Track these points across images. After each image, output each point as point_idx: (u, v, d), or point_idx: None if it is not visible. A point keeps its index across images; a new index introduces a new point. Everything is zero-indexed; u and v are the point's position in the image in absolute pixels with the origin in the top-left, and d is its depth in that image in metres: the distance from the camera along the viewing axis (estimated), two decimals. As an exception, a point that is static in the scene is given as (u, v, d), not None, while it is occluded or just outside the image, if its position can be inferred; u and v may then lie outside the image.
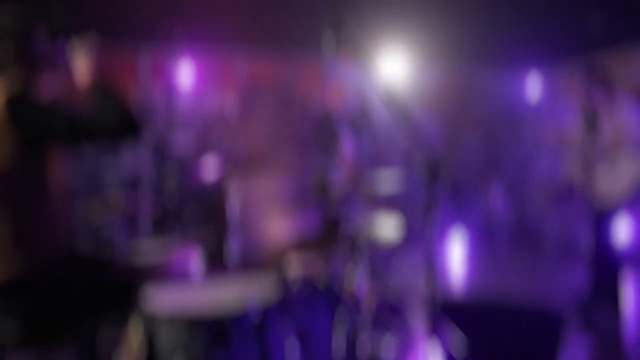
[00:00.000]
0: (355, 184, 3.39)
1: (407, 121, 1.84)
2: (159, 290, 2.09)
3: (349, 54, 2.05)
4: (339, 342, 2.36)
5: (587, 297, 3.41)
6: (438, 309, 1.80)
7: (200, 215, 4.54)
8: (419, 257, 2.00)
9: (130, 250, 3.02)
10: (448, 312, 2.39)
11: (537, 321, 2.39)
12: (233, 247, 2.72)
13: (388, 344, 2.73)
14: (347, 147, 3.52)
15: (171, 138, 5.81)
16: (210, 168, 3.09)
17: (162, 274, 2.70)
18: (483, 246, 6.61)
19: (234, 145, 4.05)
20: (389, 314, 2.99)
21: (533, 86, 7.31)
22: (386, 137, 6.63)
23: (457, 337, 2.34)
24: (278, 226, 3.17)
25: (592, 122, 3.27)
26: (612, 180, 3.45)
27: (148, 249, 2.98)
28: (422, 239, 1.78)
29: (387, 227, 3.35)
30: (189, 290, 2.13)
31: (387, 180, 3.59)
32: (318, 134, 3.36)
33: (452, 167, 7.15)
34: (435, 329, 1.81)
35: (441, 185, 1.74)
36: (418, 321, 3.19)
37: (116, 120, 1.82)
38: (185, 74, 5.94)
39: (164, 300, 1.98)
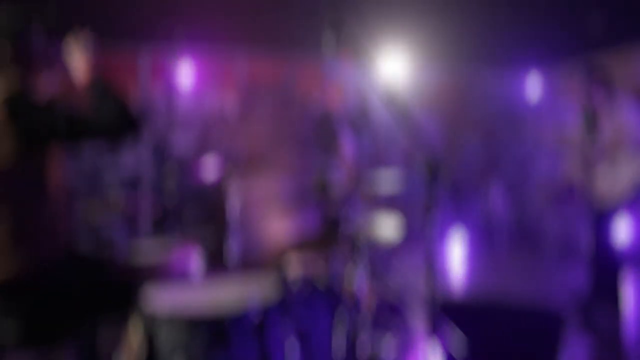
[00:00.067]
0: (356, 184, 3.38)
1: (407, 121, 1.83)
2: (159, 290, 2.09)
3: (349, 54, 2.05)
4: (339, 342, 2.36)
5: (587, 297, 3.41)
6: (438, 309, 1.80)
7: (200, 215, 4.54)
8: (419, 257, 2.00)
9: (130, 250, 3.02)
10: (448, 312, 2.39)
11: (537, 321, 2.39)
12: (233, 247, 2.72)
13: (388, 344, 2.73)
14: (347, 147, 3.52)
15: (171, 138, 5.81)
16: (210, 168, 3.09)
17: (162, 274, 2.70)
18: (483, 246, 6.61)
19: (234, 145, 4.05)
20: (389, 314, 2.99)
21: (533, 86, 7.31)
22: (386, 137, 6.63)
23: (457, 337, 2.34)
24: (278, 226, 3.17)
25: (592, 122, 3.27)
26: (612, 180, 3.45)
27: (148, 249, 2.98)
28: (422, 239, 1.78)
29: (387, 227, 3.35)
30: (189, 290, 2.13)
31: (387, 180, 3.59)
32: (318, 134, 3.36)
33: (452, 167, 7.15)
34: (435, 329, 1.81)
35: (441, 185, 1.74)
36: (418, 321, 3.19)
37: (115, 118, 1.82)
38: (185, 74, 5.94)
39: (164, 300, 1.98)
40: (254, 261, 2.82)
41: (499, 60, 6.74)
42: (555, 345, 2.31)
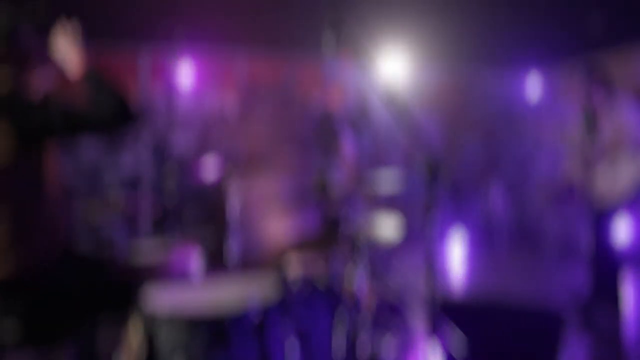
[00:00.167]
0: (356, 184, 3.38)
1: (407, 121, 1.83)
2: (159, 290, 2.09)
3: (349, 54, 2.05)
4: (339, 342, 2.36)
5: (587, 297, 3.41)
6: (438, 309, 1.80)
7: (200, 215, 4.54)
8: (419, 257, 2.00)
9: (130, 250, 3.01)
10: (448, 312, 2.39)
11: (537, 321, 2.39)
12: (233, 247, 2.72)
13: (388, 344, 2.73)
14: (347, 147, 3.52)
15: (171, 138, 5.81)
16: (210, 168, 3.09)
17: (162, 274, 2.70)
18: (483, 246, 6.61)
19: (234, 145, 4.05)
20: (389, 314, 2.98)
21: (533, 86, 7.30)
22: (386, 137, 6.63)
23: (457, 337, 2.34)
24: (278, 226, 3.17)
25: (592, 122, 3.27)
26: (612, 180, 3.45)
27: (148, 249, 2.98)
28: (422, 239, 1.78)
29: (387, 227, 3.35)
30: (189, 290, 2.13)
31: (387, 180, 3.59)
32: (318, 134, 3.36)
33: (452, 167, 7.15)
34: (435, 329, 1.81)
35: (441, 185, 1.74)
36: (418, 321, 3.19)
37: (112, 109, 1.80)
38: (185, 74, 5.94)
39: (164, 300, 1.98)
40: (254, 261, 2.82)
41: (499, 60, 6.74)
42: (555, 345, 2.31)
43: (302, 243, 2.97)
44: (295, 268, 2.44)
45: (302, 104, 6.02)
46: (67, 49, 1.92)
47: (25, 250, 1.81)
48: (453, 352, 2.33)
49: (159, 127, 5.90)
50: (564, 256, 5.87)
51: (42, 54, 1.96)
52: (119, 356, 2.02)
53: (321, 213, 3.12)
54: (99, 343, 2.05)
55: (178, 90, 5.96)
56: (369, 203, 3.45)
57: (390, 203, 3.85)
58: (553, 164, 6.41)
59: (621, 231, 3.45)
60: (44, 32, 1.95)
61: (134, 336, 1.97)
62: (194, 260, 2.86)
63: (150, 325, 1.88)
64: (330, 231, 2.93)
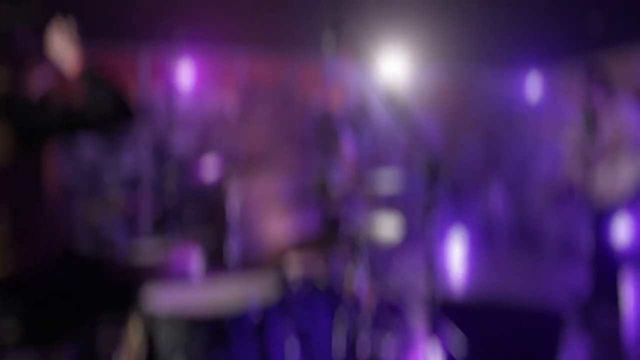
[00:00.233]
0: (356, 184, 3.38)
1: (407, 121, 1.83)
2: (159, 290, 2.09)
3: (349, 54, 2.05)
4: (339, 342, 2.36)
5: (587, 297, 3.41)
6: (438, 309, 1.80)
7: (200, 215, 4.54)
8: (419, 257, 2.00)
9: (130, 250, 3.02)
10: (448, 312, 2.39)
11: (537, 321, 2.39)
12: (233, 247, 2.72)
13: (388, 344, 2.73)
14: (347, 147, 3.52)
15: (171, 138, 5.81)
16: (210, 168, 3.09)
17: (162, 274, 2.70)
18: (483, 246, 6.61)
19: (234, 145, 4.05)
20: (389, 314, 2.98)
21: (533, 86, 7.30)
22: (386, 137, 6.63)
23: (457, 337, 2.34)
24: (278, 226, 3.17)
25: (592, 122, 3.27)
26: (612, 180, 3.45)
27: (148, 249, 2.98)
28: (422, 239, 1.78)
29: (387, 227, 3.35)
30: (189, 290, 2.13)
31: (387, 180, 3.59)
32: (318, 134, 3.36)
33: (452, 167, 7.15)
34: (435, 329, 1.81)
35: (441, 185, 1.74)
36: (418, 321, 3.19)
37: (110, 106, 1.80)
38: (185, 74, 5.94)
39: (164, 300, 1.98)
40: (254, 261, 2.82)
41: (499, 60, 6.74)
42: (555, 345, 2.31)
43: (302, 243, 2.97)
44: (295, 268, 2.44)
45: (302, 104, 6.02)
46: (63, 48, 1.91)
47: (24, 250, 1.81)
48: (453, 352, 2.33)
49: (159, 127, 5.90)
50: (564, 256, 5.87)
51: (39, 54, 1.95)
52: (119, 356, 2.02)
53: (321, 213, 3.12)
54: (99, 343, 2.05)
55: (178, 90, 5.96)
56: (369, 203, 3.45)
57: (390, 203, 3.85)
58: (553, 164, 6.41)
59: (621, 231, 3.45)
60: (40, 32, 1.94)
61: (134, 336, 1.97)
62: (194, 260, 2.86)
63: (150, 325, 1.88)
64: (330, 231, 2.93)
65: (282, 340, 2.14)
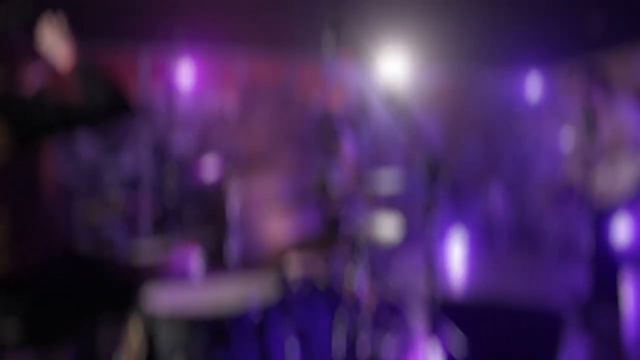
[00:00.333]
0: (356, 184, 3.38)
1: (407, 121, 1.83)
2: (159, 290, 2.09)
3: (349, 54, 2.05)
4: (339, 342, 2.36)
5: (587, 297, 3.40)
6: (438, 309, 1.80)
7: (200, 215, 4.54)
8: (419, 257, 2.00)
9: (130, 250, 3.01)
10: (448, 312, 2.39)
11: (537, 321, 2.39)
12: (233, 247, 2.72)
13: (388, 344, 2.73)
14: (347, 147, 3.52)
15: (171, 138, 5.81)
16: (210, 168, 3.09)
17: (162, 274, 2.70)
18: (483, 246, 6.61)
19: (234, 145, 4.05)
20: (389, 314, 2.98)
21: (533, 86, 7.30)
22: (386, 137, 6.63)
23: (457, 337, 2.34)
24: (278, 226, 3.17)
25: (591, 122, 3.27)
26: (612, 180, 3.45)
27: (148, 249, 2.98)
28: (422, 239, 1.78)
29: (387, 227, 3.35)
30: (189, 290, 2.13)
31: (387, 180, 3.59)
32: (318, 134, 3.36)
33: (452, 167, 7.15)
34: (435, 329, 1.81)
35: (441, 185, 1.74)
36: (418, 321, 3.19)
37: (106, 100, 1.79)
38: (185, 74, 5.94)
39: (164, 300, 1.98)
40: (254, 261, 2.82)
41: (499, 60, 6.74)
42: (555, 345, 2.31)
43: (302, 243, 2.97)
44: (295, 268, 2.44)
45: (302, 104, 6.01)
46: (54, 43, 1.89)
47: (23, 249, 1.81)
48: (453, 352, 2.33)
49: (159, 127, 5.90)
50: (564, 256, 5.86)
51: (32, 51, 1.94)
52: (119, 356, 2.02)
53: (321, 213, 3.12)
54: (99, 343, 2.05)
55: (178, 90, 5.96)
56: (369, 203, 3.45)
57: (390, 203, 3.85)
58: (553, 164, 6.41)
59: (621, 231, 3.45)
60: (30, 28, 1.93)
61: (134, 336, 1.97)
62: (194, 260, 2.86)
63: (150, 325, 1.88)
64: (330, 231, 2.93)
65: (282, 340, 2.14)
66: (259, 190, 3.23)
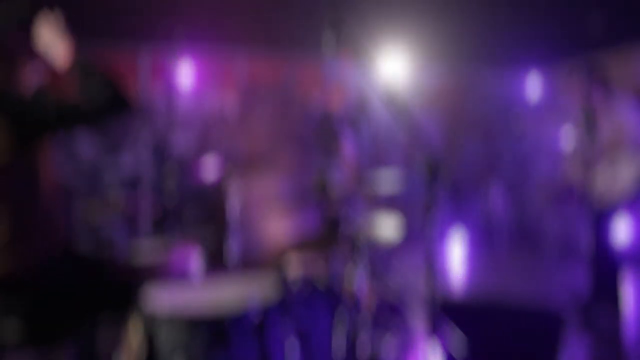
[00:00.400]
0: (356, 184, 3.38)
1: (407, 121, 1.83)
2: (159, 290, 2.09)
3: (349, 54, 2.05)
4: (339, 342, 2.36)
5: (587, 297, 3.40)
6: (438, 309, 1.80)
7: (200, 215, 4.54)
8: (419, 257, 2.00)
9: (130, 250, 3.01)
10: (448, 312, 2.39)
11: (537, 321, 2.39)
12: (233, 247, 2.72)
13: (388, 344, 2.73)
14: (347, 147, 3.52)
15: (171, 138, 5.81)
16: (210, 168, 3.09)
17: (162, 274, 2.70)
18: (483, 246, 6.61)
19: (234, 145, 4.05)
20: (389, 314, 2.98)
21: (533, 86, 7.30)
22: (386, 137, 6.63)
23: (457, 337, 2.34)
24: (278, 226, 3.17)
25: (591, 122, 3.27)
26: (612, 180, 3.45)
27: (148, 249, 2.98)
28: (422, 239, 1.78)
29: (387, 227, 3.35)
30: (189, 290, 2.13)
31: (387, 180, 3.59)
32: (318, 134, 3.36)
33: (452, 167, 7.15)
34: (435, 329, 1.81)
35: (441, 185, 1.74)
36: (418, 321, 3.19)
37: (104, 96, 1.78)
38: (185, 74, 5.94)
39: (164, 300, 1.98)
40: (254, 261, 2.82)
41: (499, 60, 6.74)
42: (555, 345, 2.31)
43: (302, 243, 2.97)
44: (295, 268, 2.44)
45: (302, 104, 6.01)
46: (52, 41, 1.89)
47: (23, 249, 1.81)
48: (453, 352, 2.33)
49: (159, 127, 5.90)
50: (564, 256, 5.86)
51: (30, 49, 1.93)
52: (119, 356, 2.02)
53: (321, 213, 3.12)
54: (99, 343, 2.05)
55: (178, 90, 5.96)
56: (369, 203, 3.45)
57: (390, 203, 3.85)
58: (553, 164, 6.41)
59: (621, 231, 3.45)
60: (27, 27, 1.92)
61: (134, 336, 1.97)
62: (194, 260, 2.86)
63: (150, 325, 1.88)
64: (330, 231, 2.93)
65: (282, 340, 2.14)
66: (259, 190, 3.23)
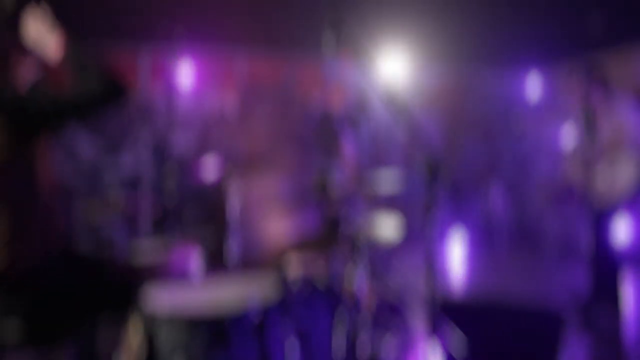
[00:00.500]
0: (356, 184, 3.38)
1: (407, 121, 1.83)
2: (159, 290, 2.09)
3: (349, 54, 2.05)
4: (339, 342, 2.36)
5: (587, 297, 3.41)
6: (438, 309, 1.80)
7: (200, 215, 4.54)
8: (419, 257, 2.00)
9: (130, 250, 3.01)
10: (448, 312, 2.39)
11: (537, 321, 2.39)
12: (233, 247, 2.72)
13: (388, 344, 2.73)
14: (347, 147, 3.52)
15: (171, 138, 5.81)
16: (210, 168, 3.09)
17: (162, 274, 2.70)
18: (483, 246, 6.61)
19: (234, 145, 4.05)
20: (389, 314, 2.98)
21: (533, 86, 7.30)
22: (386, 137, 6.63)
23: (457, 337, 2.34)
24: (278, 226, 3.17)
25: (591, 122, 3.27)
26: (611, 180, 3.45)
27: (148, 249, 2.98)
28: (422, 239, 1.78)
29: (387, 227, 3.35)
30: (189, 290, 2.13)
31: (387, 180, 3.59)
32: (318, 134, 3.36)
33: (452, 167, 7.15)
34: (435, 329, 1.81)
35: (441, 185, 1.74)
36: (418, 321, 3.19)
37: (98, 85, 1.77)
38: (185, 74, 5.94)
39: (164, 300, 1.98)
40: (254, 261, 2.82)
41: (499, 60, 6.74)
42: (555, 345, 2.31)
43: (302, 243, 2.97)
44: (295, 268, 2.44)
45: (302, 104, 6.02)
46: (41, 35, 1.86)
47: (23, 249, 1.81)
48: (453, 352, 2.33)
49: (159, 127, 5.90)
50: (564, 256, 5.87)
51: (21, 45, 1.92)
52: (119, 356, 2.02)
53: (321, 213, 3.12)
54: (99, 343, 2.05)
55: (178, 90, 5.96)
56: (369, 203, 3.45)
57: (390, 203, 3.85)
58: (553, 164, 6.41)
59: (621, 231, 3.45)
60: (15, 23, 1.90)
61: (134, 336, 1.97)
62: (194, 260, 2.86)
63: (150, 325, 1.88)
64: (330, 231, 2.93)
65: (282, 340, 2.14)
66: (259, 190, 3.23)
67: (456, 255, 5.98)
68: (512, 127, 7.38)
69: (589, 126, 3.26)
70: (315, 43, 2.69)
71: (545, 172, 6.84)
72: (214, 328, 1.85)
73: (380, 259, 3.42)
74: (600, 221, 3.45)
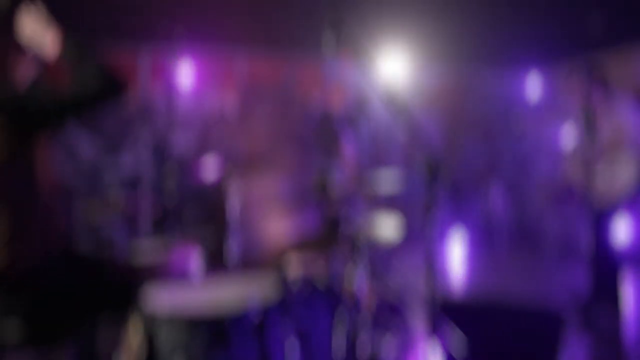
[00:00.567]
0: (356, 184, 3.38)
1: (407, 121, 1.83)
2: (159, 290, 2.09)
3: (349, 54, 2.05)
4: (339, 342, 2.36)
5: (587, 297, 3.41)
6: (438, 309, 1.80)
7: (200, 215, 4.54)
8: (419, 257, 2.00)
9: (130, 250, 3.01)
10: (448, 312, 2.39)
11: (537, 321, 2.39)
12: (233, 247, 2.72)
13: (388, 344, 2.73)
14: (347, 147, 3.52)
15: (171, 138, 5.81)
16: (210, 168, 3.09)
17: (162, 274, 2.70)
18: (483, 246, 6.61)
19: (234, 145, 4.05)
20: (389, 314, 2.98)
21: (533, 86, 7.30)
22: (386, 137, 6.63)
23: (457, 337, 2.34)
24: (278, 226, 3.17)
25: (591, 122, 3.27)
26: (611, 180, 3.45)
27: (148, 249, 2.98)
28: (422, 239, 1.78)
29: (387, 227, 3.35)
30: (189, 290, 2.13)
31: (387, 180, 3.59)
32: (318, 134, 3.36)
33: (452, 167, 7.15)
34: (435, 329, 1.81)
35: (441, 185, 1.74)
36: (418, 321, 3.19)
37: (96, 80, 1.77)
38: (185, 74, 5.94)
39: (164, 300, 1.98)
40: (254, 261, 2.82)
41: (499, 60, 6.74)
42: (555, 345, 2.31)
43: (302, 243, 2.97)
44: (295, 268, 2.44)
45: (302, 104, 6.02)
46: (36, 33, 1.86)
47: (23, 249, 1.81)
48: (453, 352, 2.33)
49: (159, 127, 5.90)
50: (564, 256, 5.87)
51: (17, 44, 1.91)
52: (119, 356, 2.02)
53: (321, 213, 3.12)
54: (99, 343, 2.05)
55: (178, 90, 5.96)
56: (369, 203, 3.45)
57: (390, 203, 3.85)
58: (553, 164, 6.41)
59: (621, 231, 3.45)
60: (10, 21, 1.90)
61: (134, 336, 1.97)
62: (194, 260, 2.86)
63: (150, 325, 1.88)
64: (330, 231, 2.93)
65: (282, 340, 2.14)
66: (259, 190, 3.23)
67: (456, 255, 5.98)
68: (512, 127, 7.38)
69: (589, 126, 3.26)
70: (315, 43, 2.69)
71: (545, 172, 6.84)
72: (214, 328, 1.85)
73: (380, 259, 3.42)
74: (600, 221, 3.44)
